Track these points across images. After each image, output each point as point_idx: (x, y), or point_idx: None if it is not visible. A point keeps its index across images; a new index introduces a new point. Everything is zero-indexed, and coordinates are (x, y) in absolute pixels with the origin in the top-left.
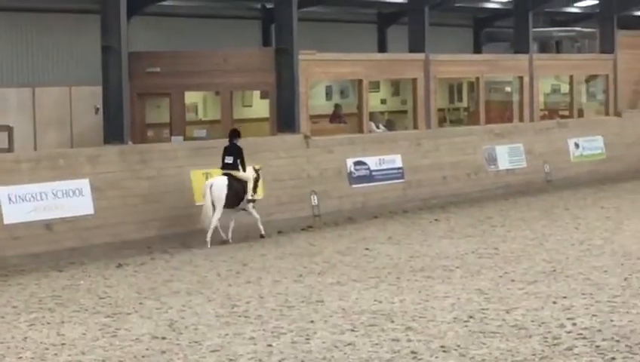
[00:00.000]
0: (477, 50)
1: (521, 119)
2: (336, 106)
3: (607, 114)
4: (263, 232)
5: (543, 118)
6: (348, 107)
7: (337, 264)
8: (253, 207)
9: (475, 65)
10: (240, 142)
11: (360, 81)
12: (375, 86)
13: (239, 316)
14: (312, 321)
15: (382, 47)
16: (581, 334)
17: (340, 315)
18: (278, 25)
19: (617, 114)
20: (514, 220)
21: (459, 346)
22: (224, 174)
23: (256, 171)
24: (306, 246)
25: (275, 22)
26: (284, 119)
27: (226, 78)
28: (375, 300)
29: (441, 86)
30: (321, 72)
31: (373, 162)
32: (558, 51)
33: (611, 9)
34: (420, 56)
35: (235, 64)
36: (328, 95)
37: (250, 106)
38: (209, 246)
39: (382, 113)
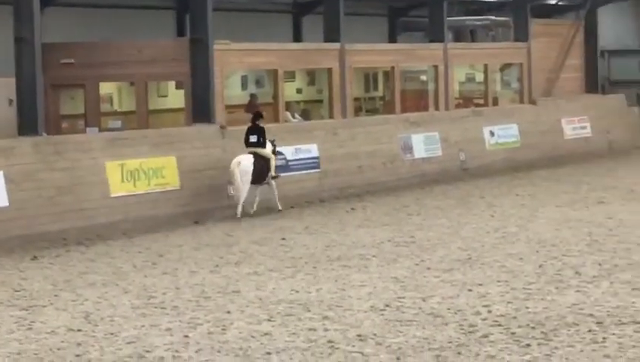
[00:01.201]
0: (392, 39)
1: (436, 108)
2: (252, 96)
3: (521, 102)
4: (280, 208)
5: (458, 106)
6: (263, 97)
7: (254, 254)
8: (275, 182)
9: (391, 55)
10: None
11: (275, 71)
12: (290, 76)
13: (155, 307)
14: (229, 312)
15: (297, 37)
16: (497, 321)
17: (256, 305)
18: (193, 15)
19: (532, 102)
20: (430, 209)
21: (375, 335)
22: (250, 153)
23: (272, 143)
24: (222, 236)
25: (190, 12)
26: (200, 109)
27: (141, 69)
28: (292, 290)
29: (356, 75)
30: (237, 61)
31: (289, 152)
32: (472, 40)
33: None
34: (336, 45)
35: (149, 54)
36: (244, 85)
37: (166, 97)
38: (239, 215)
39: (297, 103)
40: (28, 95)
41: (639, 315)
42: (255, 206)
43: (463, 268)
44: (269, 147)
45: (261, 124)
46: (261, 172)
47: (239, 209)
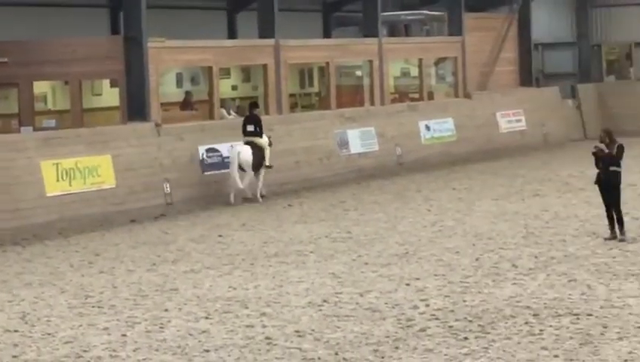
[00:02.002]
0: (327, 34)
1: (372, 103)
2: (187, 93)
3: (456, 96)
4: (264, 193)
5: (393, 101)
6: (199, 94)
7: (191, 252)
8: (265, 172)
9: (325, 50)
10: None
11: (210, 68)
12: (226, 72)
13: (93, 306)
14: (167, 310)
15: (232, 34)
16: (434, 315)
17: (194, 303)
18: (127, 13)
19: (467, 96)
20: (367, 204)
21: (313, 330)
22: (247, 142)
23: (268, 138)
24: (159, 234)
25: (124, 10)
26: (135, 107)
27: (75, 67)
28: (229, 287)
29: (291, 71)
30: (171, 59)
31: (225, 149)
32: (407, 35)
33: None
34: (270, 41)
35: (83, 53)
36: (179, 82)
37: (100, 95)
38: (232, 201)
39: (233, 99)
40: None
41: (575, 307)
42: (259, 192)
43: (401, 262)
44: (265, 137)
45: (257, 113)
46: (257, 161)
47: (249, 192)
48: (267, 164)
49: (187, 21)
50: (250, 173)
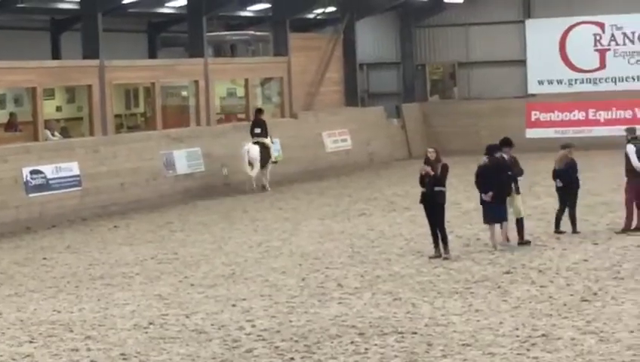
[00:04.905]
0: (152, 55)
1: (198, 123)
2: (11, 115)
3: (282, 116)
4: (269, 188)
5: (219, 121)
6: (23, 115)
7: (15, 275)
8: (272, 166)
9: (151, 71)
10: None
11: (34, 89)
12: (50, 93)
13: None
14: None
15: (56, 54)
16: (260, 336)
17: (17, 327)
18: None
19: (293, 116)
20: (193, 224)
21: (139, 353)
22: (255, 142)
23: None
24: None
25: None
26: None
27: None
28: (54, 310)
29: (117, 92)
30: None
31: (49, 170)
32: (233, 55)
33: (283, 12)
34: (95, 62)
35: None
36: (2, 103)
37: None
38: (254, 187)
39: (57, 120)
40: None
41: (400, 325)
42: (267, 184)
43: (227, 283)
44: (269, 137)
45: (263, 118)
46: (264, 157)
47: (254, 184)
48: (273, 159)
49: (10, 41)
50: (258, 166)
